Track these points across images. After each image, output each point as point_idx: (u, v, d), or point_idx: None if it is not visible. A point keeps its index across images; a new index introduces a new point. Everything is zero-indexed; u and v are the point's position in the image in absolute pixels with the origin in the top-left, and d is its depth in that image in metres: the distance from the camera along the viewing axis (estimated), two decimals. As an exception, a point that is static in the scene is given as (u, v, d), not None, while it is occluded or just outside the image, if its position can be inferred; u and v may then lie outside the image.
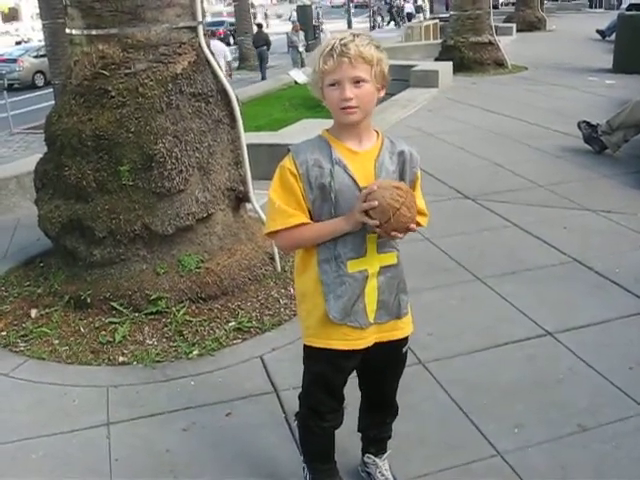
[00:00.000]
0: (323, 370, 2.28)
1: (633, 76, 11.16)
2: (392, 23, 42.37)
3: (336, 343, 2.20)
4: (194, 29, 4.15)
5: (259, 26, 25.56)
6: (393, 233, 2.03)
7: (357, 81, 2.02)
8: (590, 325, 3.68)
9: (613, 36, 14.84)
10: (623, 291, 4.04)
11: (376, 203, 1.97)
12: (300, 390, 2.45)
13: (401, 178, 2.16)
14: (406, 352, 2.40)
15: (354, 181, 2.08)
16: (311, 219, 2.12)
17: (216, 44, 18.14)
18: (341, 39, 2.02)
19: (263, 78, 21.61)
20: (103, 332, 3.78)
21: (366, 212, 2.00)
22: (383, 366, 2.38)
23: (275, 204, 2.11)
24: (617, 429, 2.85)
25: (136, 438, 2.95)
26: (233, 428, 2.98)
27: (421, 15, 38.15)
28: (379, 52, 2.06)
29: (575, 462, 2.67)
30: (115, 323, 3.84)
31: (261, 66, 23.71)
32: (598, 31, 18.53)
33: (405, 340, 2.35)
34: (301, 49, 23.69)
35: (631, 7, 16.54)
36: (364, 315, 2.19)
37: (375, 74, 2.04)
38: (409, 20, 37.48)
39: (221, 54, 18.32)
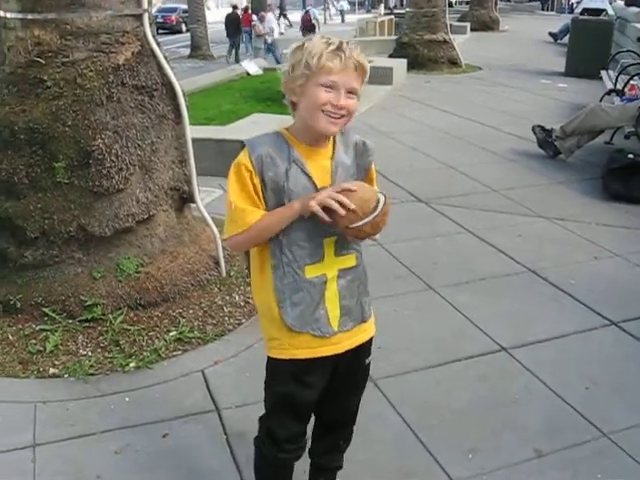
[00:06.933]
0: (288, 390, 2.09)
1: (584, 80, 11.26)
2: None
3: (301, 352, 2.03)
4: (139, 17, 3.89)
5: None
6: (381, 225, 1.91)
7: (351, 92, 1.89)
8: (546, 340, 3.58)
9: (565, 39, 15.01)
10: (578, 304, 3.96)
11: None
12: (257, 411, 2.24)
13: (357, 169, 2.05)
14: (369, 364, 2.25)
15: (312, 182, 1.94)
16: None
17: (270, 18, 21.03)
18: (347, 42, 1.87)
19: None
20: (33, 340, 3.52)
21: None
22: (346, 380, 2.20)
23: (232, 206, 1.94)
24: (574, 454, 2.74)
25: (64, 462, 2.71)
26: (170, 451, 2.77)
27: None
28: None
29: (531, 492, 2.55)
30: (47, 330, 3.58)
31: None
32: (550, 34, 18.76)
33: (368, 351, 2.21)
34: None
35: (584, 12, 16.71)
36: (326, 323, 2.03)
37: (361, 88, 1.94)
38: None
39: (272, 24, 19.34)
